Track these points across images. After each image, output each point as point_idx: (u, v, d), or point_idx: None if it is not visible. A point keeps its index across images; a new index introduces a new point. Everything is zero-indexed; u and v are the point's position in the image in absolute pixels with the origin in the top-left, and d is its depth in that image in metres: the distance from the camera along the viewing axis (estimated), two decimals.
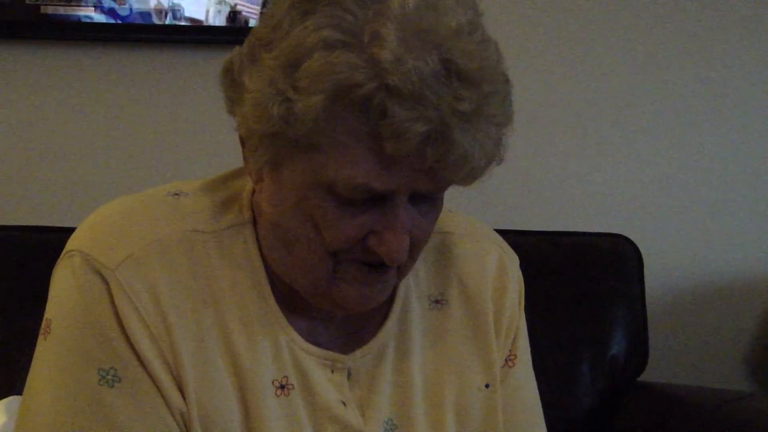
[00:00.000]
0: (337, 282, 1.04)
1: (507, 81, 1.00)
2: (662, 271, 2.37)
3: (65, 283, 1.05)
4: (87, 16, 2.21)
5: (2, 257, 1.88)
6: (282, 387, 1.09)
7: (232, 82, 1.03)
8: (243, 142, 1.05)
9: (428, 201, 1.03)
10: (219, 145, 2.03)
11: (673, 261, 2.41)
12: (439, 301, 1.20)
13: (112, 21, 2.21)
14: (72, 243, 1.07)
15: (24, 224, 1.94)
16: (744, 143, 2.45)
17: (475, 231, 1.26)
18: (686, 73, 2.42)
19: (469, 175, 0.98)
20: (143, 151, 2.23)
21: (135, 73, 2.25)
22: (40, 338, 1.06)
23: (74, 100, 2.24)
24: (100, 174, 2.20)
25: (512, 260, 1.26)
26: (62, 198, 2.12)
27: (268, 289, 1.10)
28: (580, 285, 2.12)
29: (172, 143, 2.24)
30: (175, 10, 2.22)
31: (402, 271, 1.09)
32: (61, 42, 2.23)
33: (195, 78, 2.22)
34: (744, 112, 2.44)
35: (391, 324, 1.16)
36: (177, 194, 1.12)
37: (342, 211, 0.99)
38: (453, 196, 1.08)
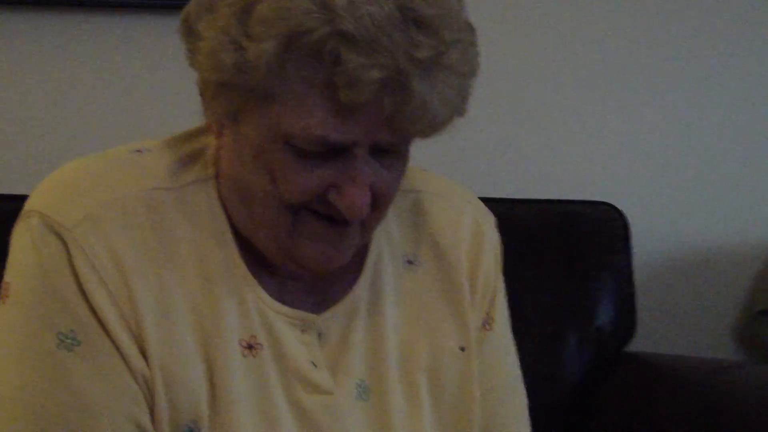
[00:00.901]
0: (297, 238, 1.02)
1: (471, 29, 0.98)
2: (649, 239, 2.33)
3: (23, 244, 1.02)
4: None
5: None
6: (249, 347, 1.05)
7: (188, 32, 1.00)
8: (202, 94, 1.01)
9: (391, 154, 1.00)
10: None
11: (661, 229, 2.38)
12: (412, 262, 1.17)
13: None
14: (30, 203, 1.04)
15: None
16: (731, 109, 2.41)
17: (450, 190, 1.22)
18: (672, 41, 2.39)
19: (430, 126, 0.96)
20: (137, 117, 2.20)
21: (125, 38, 2.21)
22: None
23: (59, 69, 2.21)
24: (84, 141, 2.17)
25: (488, 221, 1.23)
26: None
27: (233, 246, 1.07)
28: (565, 254, 2.07)
29: (162, 108, 2.19)
30: None
31: (367, 227, 1.06)
32: (44, 7, 2.18)
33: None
34: (733, 78, 2.41)
35: (363, 283, 1.13)
36: (140, 151, 1.09)
37: (300, 163, 0.96)
38: (434, 162, 1.08)
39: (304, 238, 1.01)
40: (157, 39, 2.18)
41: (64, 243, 0.99)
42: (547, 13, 2.33)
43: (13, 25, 2.15)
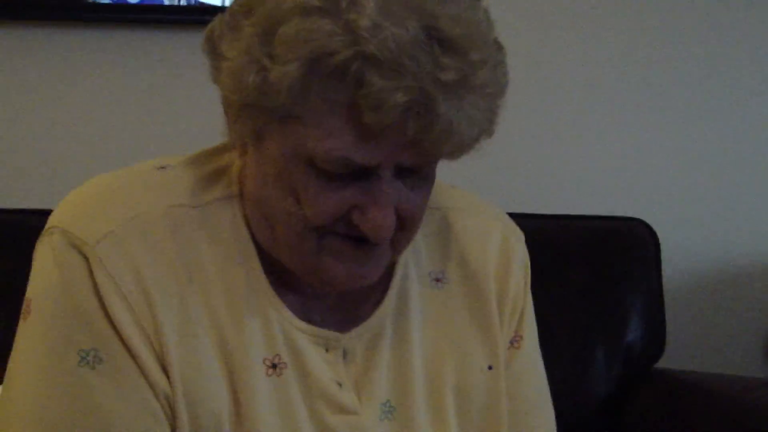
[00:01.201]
0: (323, 257, 1.00)
1: (499, 48, 0.96)
2: (680, 256, 2.32)
3: (45, 261, 1.01)
4: None
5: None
6: (274, 366, 1.04)
7: (212, 51, 0.99)
8: (226, 112, 1.01)
9: (416, 175, 0.98)
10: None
11: (691, 245, 2.37)
12: (439, 279, 1.15)
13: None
14: (52, 219, 1.03)
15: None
16: (764, 126, 2.40)
17: (478, 207, 1.20)
18: (701, 54, 2.38)
19: (457, 148, 0.94)
20: (157, 131, 2.21)
21: (147, 52, 2.23)
22: (21, 319, 1.01)
23: (82, 84, 2.22)
24: (106, 156, 2.19)
25: (517, 238, 1.21)
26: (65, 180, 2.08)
27: (257, 264, 1.05)
28: (595, 270, 2.07)
29: (185, 124, 2.20)
30: None
31: (396, 247, 1.03)
32: (66, 22, 2.20)
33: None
34: (763, 95, 2.40)
35: (389, 302, 1.11)
36: (164, 167, 1.08)
37: (323, 185, 0.95)
38: (461, 178, 1.07)
39: (330, 258, 0.99)
40: (181, 54, 2.20)
41: (86, 260, 0.97)
42: (581, 29, 2.34)
43: (43, 41, 2.17)
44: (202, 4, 2.18)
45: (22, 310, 1.00)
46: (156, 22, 2.20)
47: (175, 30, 2.19)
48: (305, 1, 0.88)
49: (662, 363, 2.06)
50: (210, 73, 1.00)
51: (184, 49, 2.17)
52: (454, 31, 0.88)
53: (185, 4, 2.19)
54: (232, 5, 0.98)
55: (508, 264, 1.17)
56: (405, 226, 0.99)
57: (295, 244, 0.99)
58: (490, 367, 1.12)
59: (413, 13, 0.87)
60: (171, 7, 2.19)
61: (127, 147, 2.17)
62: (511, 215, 1.25)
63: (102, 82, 2.20)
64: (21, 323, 1.00)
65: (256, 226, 1.04)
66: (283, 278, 1.05)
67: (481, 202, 1.22)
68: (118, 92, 2.20)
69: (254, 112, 0.94)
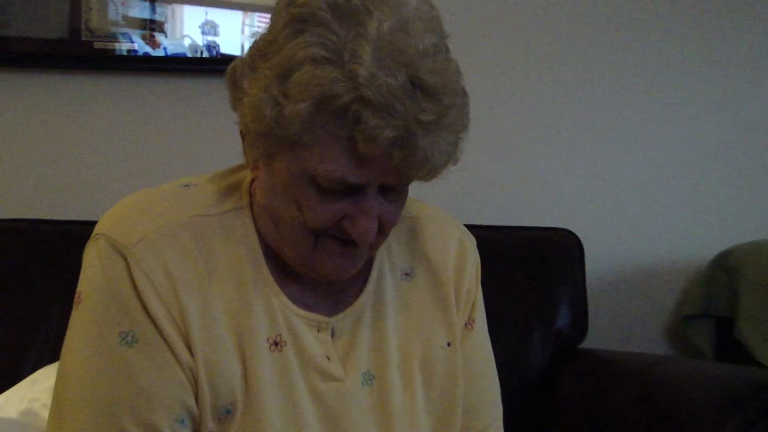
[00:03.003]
0: (318, 254, 1.02)
1: (465, 94, 0.98)
2: (599, 258, 2.34)
3: (92, 261, 1.02)
4: (132, 50, 2.15)
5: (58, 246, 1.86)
6: (276, 344, 1.05)
7: (234, 85, 1.00)
8: (243, 136, 1.02)
9: (394, 191, 1.01)
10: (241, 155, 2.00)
11: (608, 249, 2.38)
12: (408, 274, 1.17)
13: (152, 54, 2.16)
14: (98, 228, 1.04)
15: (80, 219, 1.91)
16: (669, 151, 2.43)
17: (440, 217, 1.22)
18: (623, 82, 2.39)
19: (429, 173, 0.96)
20: (179, 160, 2.20)
21: (173, 96, 2.20)
22: (73, 307, 1.03)
23: (121, 120, 2.21)
24: (141, 178, 2.16)
25: (470, 241, 1.23)
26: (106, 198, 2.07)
27: (262, 261, 1.07)
28: (531, 270, 2.08)
29: (205, 154, 2.19)
30: (210, 47, 2.17)
31: (374, 246, 1.07)
32: (109, 72, 2.18)
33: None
34: (673, 122, 2.42)
35: (368, 292, 1.13)
36: (187, 185, 1.10)
37: (321, 198, 0.97)
38: (421, 193, 1.07)
39: (324, 255, 1.02)
40: (200, 97, 2.18)
41: (125, 260, 0.99)
42: (514, 50, 2.33)
43: (89, 87, 2.17)
44: (223, 55, 2.15)
45: (74, 301, 1.02)
46: (180, 70, 2.17)
47: (196, 77, 2.18)
48: (316, 52, 0.90)
49: (585, 344, 2.08)
50: (230, 102, 1.02)
51: (205, 93, 2.16)
52: (433, 80, 0.90)
53: (206, 56, 2.16)
54: (251, 48, 0.99)
55: (463, 263, 1.19)
56: (383, 231, 1.01)
57: (295, 243, 1.01)
58: (449, 344, 1.14)
59: (402, 65, 0.89)
60: (194, 58, 2.15)
61: (154, 171, 2.17)
62: (465, 225, 1.27)
63: (134, 118, 2.18)
64: (73, 311, 1.02)
65: (264, 229, 1.06)
66: (284, 272, 1.07)
67: (443, 213, 1.23)
68: (148, 126, 2.19)
69: (269, 139, 0.95)
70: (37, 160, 2.16)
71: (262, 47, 0.97)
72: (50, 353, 1.75)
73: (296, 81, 0.90)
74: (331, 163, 0.93)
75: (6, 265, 1.86)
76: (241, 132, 1.02)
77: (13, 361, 1.77)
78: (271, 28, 0.97)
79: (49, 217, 1.98)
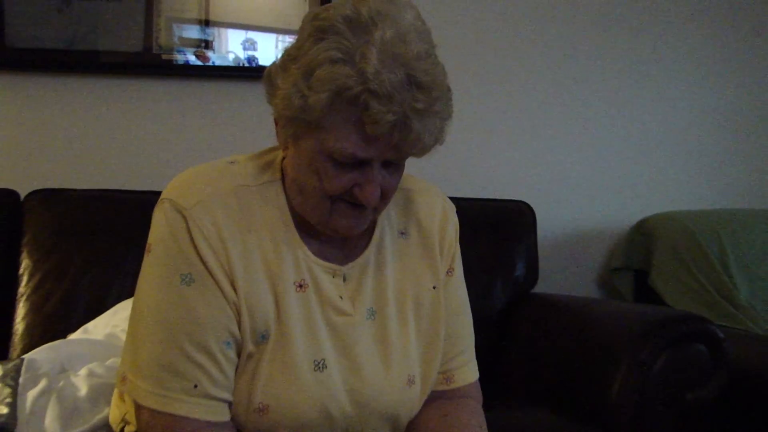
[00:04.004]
0: (333, 216, 1.00)
1: (449, 89, 0.97)
2: (548, 223, 2.31)
3: (159, 219, 1.01)
4: (187, 61, 2.14)
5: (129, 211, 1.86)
6: (300, 286, 1.03)
7: (269, 83, 0.99)
8: (276, 122, 1.01)
9: (394, 165, 0.99)
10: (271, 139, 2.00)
11: (555, 216, 2.36)
12: (403, 233, 1.14)
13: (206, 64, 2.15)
14: (163, 194, 1.03)
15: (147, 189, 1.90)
16: (604, 141, 2.41)
17: (428, 189, 1.19)
18: (569, 84, 2.36)
19: (421, 150, 0.96)
20: (223, 143, 2.17)
21: (221, 96, 2.18)
22: (145, 255, 1.01)
23: (181, 114, 2.18)
24: (194, 157, 2.11)
25: (451, 209, 1.20)
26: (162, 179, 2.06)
27: (291, 222, 1.05)
28: (496, 232, 2.06)
29: (243, 139, 2.16)
30: (250, 60, 2.15)
31: (377, 210, 1.04)
32: (172, 77, 2.16)
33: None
34: (608, 116, 2.40)
35: (372, 246, 1.11)
36: (233, 162, 1.07)
37: (337, 170, 0.96)
38: (413, 170, 1.04)
39: (338, 216, 1.00)
40: (242, 97, 2.16)
41: (185, 218, 0.98)
42: (484, 39, 2.28)
43: (159, 90, 2.15)
44: (261, 66, 2.11)
45: (145, 250, 1.01)
46: (226, 77, 2.15)
47: (239, 82, 2.16)
48: (333, 54, 0.89)
49: (536, 289, 2.07)
50: (266, 97, 1.00)
51: (246, 94, 2.14)
52: (425, 78, 0.90)
53: (247, 66, 2.15)
54: (283, 55, 0.98)
55: (445, 225, 1.16)
56: (384, 197, 1.00)
57: (316, 207, 1.00)
58: (434, 287, 1.12)
59: (400, 65, 0.89)
60: (237, 67, 2.14)
61: (204, 151, 2.14)
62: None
63: (190, 112, 2.16)
64: (144, 258, 1.01)
65: (292, 197, 1.03)
66: (307, 231, 1.05)
67: (431, 186, 1.21)
68: (202, 119, 2.16)
69: (296, 123, 0.95)
70: (119, 143, 2.14)
71: (291, 53, 0.96)
72: (128, 290, 1.74)
73: (318, 77, 0.90)
74: (345, 142, 0.92)
75: (97, 223, 1.86)
76: (275, 120, 1.01)
77: (100, 296, 1.77)
78: (299, 38, 0.96)
79: (125, 187, 1.97)
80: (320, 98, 0.90)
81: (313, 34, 0.93)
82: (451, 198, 1.24)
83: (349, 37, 0.90)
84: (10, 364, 1.40)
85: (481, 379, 1.18)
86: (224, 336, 0.98)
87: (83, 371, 1.40)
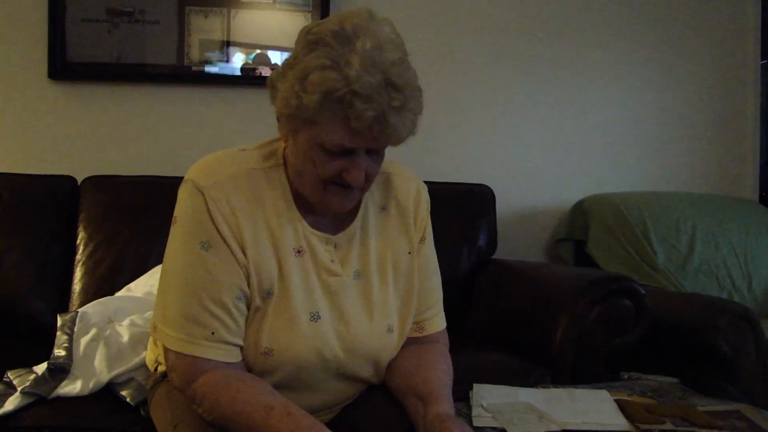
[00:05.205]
0: (326, 195, 0.98)
1: (420, 89, 0.94)
2: (506, 201, 2.26)
3: (183, 197, 0.98)
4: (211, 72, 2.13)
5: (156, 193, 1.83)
6: (299, 252, 1.01)
7: (272, 87, 0.97)
8: (278, 119, 0.98)
9: (376, 153, 0.97)
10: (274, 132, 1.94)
11: (511, 196, 2.31)
12: (384, 209, 1.11)
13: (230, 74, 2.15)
14: (187, 175, 1.00)
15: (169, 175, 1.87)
16: (552, 132, 2.35)
17: (405, 172, 1.16)
18: (522, 78, 2.30)
19: (397, 141, 0.93)
20: (236, 136, 2.13)
21: (238, 99, 2.16)
22: (171, 226, 0.99)
23: (208, 113, 2.16)
24: (214, 146, 2.03)
25: (424, 188, 1.17)
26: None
27: (291, 200, 1.02)
28: (462, 209, 2.03)
29: (253, 132, 2.06)
30: (256, 71, 2.14)
31: (363, 190, 1.01)
32: (200, 84, 2.15)
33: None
34: (556, 109, 2.34)
35: (358, 220, 1.08)
36: (243, 149, 1.04)
37: (328, 158, 0.93)
38: (391, 155, 1.01)
39: (330, 195, 0.97)
40: (253, 99, 2.14)
41: (203, 196, 0.95)
42: (448, 31, 2.23)
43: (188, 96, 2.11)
44: (266, 76, 2.07)
45: (172, 222, 0.99)
46: (241, 84, 2.14)
47: (249, 88, 2.14)
48: (323, 62, 0.88)
49: (495, 256, 2.04)
50: (270, 98, 0.98)
51: (256, 97, 2.11)
52: (399, 80, 0.88)
53: (257, 75, 2.14)
54: (283, 63, 0.95)
55: (419, 201, 1.13)
56: (368, 179, 0.97)
57: (312, 188, 0.97)
58: (409, 253, 1.09)
59: (379, 71, 0.87)
60: (248, 76, 2.12)
61: (222, 141, 2.10)
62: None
63: (215, 112, 2.14)
64: (171, 229, 0.98)
65: (293, 179, 1.01)
66: (305, 208, 1.02)
67: (407, 169, 1.16)
68: (226, 118, 2.15)
69: (294, 119, 0.93)
70: (158, 137, 2.13)
71: (289, 62, 0.94)
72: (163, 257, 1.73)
73: (311, 81, 0.88)
74: (334, 135, 0.90)
75: (140, 203, 1.85)
76: (277, 117, 0.98)
77: (142, 262, 1.76)
78: (295, 50, 0.95)
79: (162, 173, 1.95)
80: (313, 99, 0.88)
81: (306, 45, 0.91)
82: (425, 182, 1.21)
83: (335, 47, 0.88)
84: (68, 316, 1.41)
85: (449, 329, 1.16)
86: (236, 292, 0.96)
87: (126, 322, 1.39)
